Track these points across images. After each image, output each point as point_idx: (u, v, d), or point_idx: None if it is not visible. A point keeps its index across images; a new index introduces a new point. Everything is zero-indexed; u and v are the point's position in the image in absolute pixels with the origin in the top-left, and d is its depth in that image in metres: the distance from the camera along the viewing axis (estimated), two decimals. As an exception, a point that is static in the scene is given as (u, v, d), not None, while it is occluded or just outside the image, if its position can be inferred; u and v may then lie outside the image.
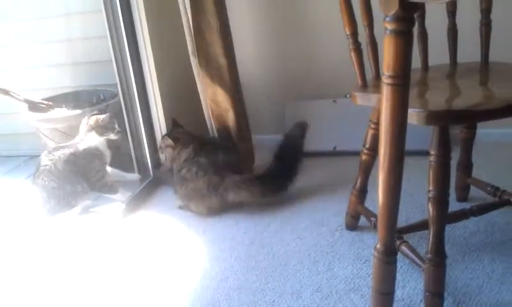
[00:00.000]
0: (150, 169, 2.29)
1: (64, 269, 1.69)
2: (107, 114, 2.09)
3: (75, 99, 2.54)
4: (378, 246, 1.14)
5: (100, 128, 2.05)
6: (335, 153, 2.35)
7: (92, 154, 2.06)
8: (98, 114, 2.09)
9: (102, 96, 2.53)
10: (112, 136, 2.08)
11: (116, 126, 2.10)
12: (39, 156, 2.05)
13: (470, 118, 1.25)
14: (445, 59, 1.54)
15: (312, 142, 2.37)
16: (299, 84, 2.49)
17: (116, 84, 2.20)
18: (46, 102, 2.48)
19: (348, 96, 1.45)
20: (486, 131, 1.91)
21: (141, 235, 1.88)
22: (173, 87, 2.34)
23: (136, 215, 2.04)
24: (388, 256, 1.15)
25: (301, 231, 1.76)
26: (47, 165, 1.99)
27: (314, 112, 2.41)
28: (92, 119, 2.06)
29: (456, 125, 1.67)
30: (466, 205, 1.50)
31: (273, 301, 1.41)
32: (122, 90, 2.20)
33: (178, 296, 1.49)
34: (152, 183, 2.27)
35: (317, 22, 2.34)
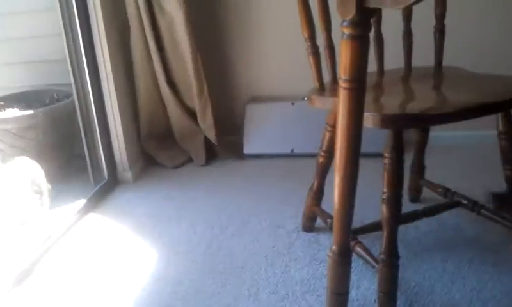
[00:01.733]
0: (105, 170, 2.24)
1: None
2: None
3: (28, 99, 2.45)
4: (333, 247, 1.15)
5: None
6: (292, 155, 2.37)
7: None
8: None
9: (55, 95, 2.46)
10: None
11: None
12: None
13: (423, 121, 1.27)
14: (400, 63, 1.57)
15: (269, 145, 2.39)
16: (258, 86, 2.50)
17: (71, 83, 2.14)
18: (-4, 102, 2.39)
19: (306, 99, 1.46)
20: (438, 134, 1.97)
21: (93, 239, 1.83)
22: (129, 87, 2.30)
23: (88, 219, 1.98)
24: (343, 257, 1.16)
25: (258, 233, 1.76)
26: None
27: (273, 114, 2.43)
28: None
29: (410, 128, 1.71)
30: (418, 206, 1.53)
31: (229, 304, 1.40)
32: (77, 89, 2.14)
33: (131, 301, 1.46)
34: (107, 185, 2.22)
35: (276, 25, 2.36)
